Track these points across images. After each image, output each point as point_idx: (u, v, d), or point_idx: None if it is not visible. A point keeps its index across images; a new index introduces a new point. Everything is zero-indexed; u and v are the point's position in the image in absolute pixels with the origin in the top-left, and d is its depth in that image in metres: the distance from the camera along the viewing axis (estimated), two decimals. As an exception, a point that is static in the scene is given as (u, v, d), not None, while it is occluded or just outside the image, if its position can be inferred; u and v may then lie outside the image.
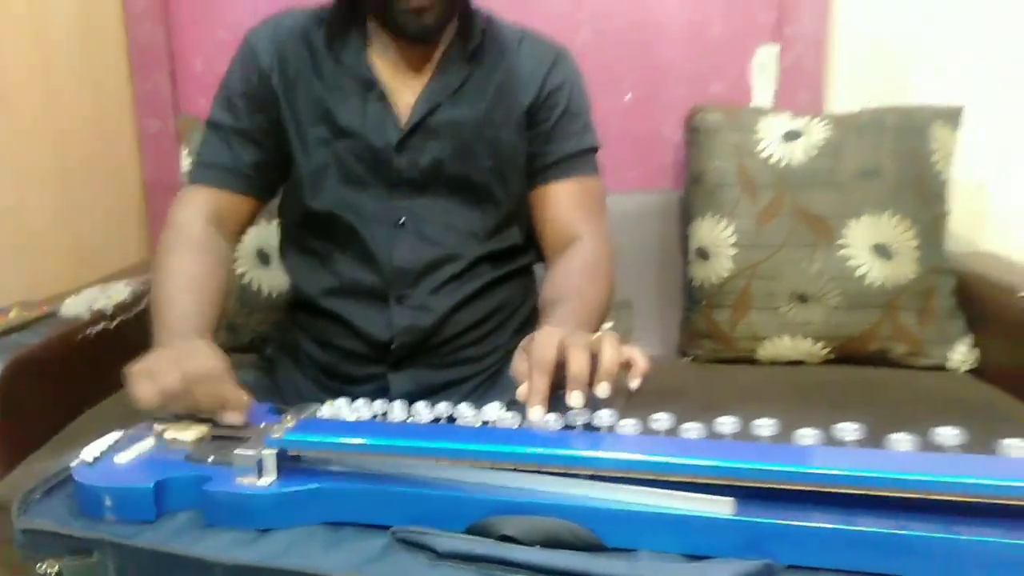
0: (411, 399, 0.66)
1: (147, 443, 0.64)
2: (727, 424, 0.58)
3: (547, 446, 0.56)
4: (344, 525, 0.56)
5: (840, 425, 0.55)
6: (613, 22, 1.52)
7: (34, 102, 1.33)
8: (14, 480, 0.93)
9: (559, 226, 0.96)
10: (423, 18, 0.86)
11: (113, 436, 0.65)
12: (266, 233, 1.36)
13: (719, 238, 1.34)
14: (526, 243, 1.01)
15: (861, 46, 1.49)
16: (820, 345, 1.33)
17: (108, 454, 0.63)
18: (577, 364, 0.62)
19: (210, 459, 0.61)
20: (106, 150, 1.54)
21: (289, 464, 0.59)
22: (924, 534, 0.48)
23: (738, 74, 1.53)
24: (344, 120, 0.91)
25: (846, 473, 0.50)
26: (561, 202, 0.97)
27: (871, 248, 1.30)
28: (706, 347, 1.38)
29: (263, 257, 1.38)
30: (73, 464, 0.61)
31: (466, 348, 0.94)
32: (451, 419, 0.64)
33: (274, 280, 1.37)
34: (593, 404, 0.62)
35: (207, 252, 0.89)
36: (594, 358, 0.64)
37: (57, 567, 0.55)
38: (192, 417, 0.68)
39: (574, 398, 0.62)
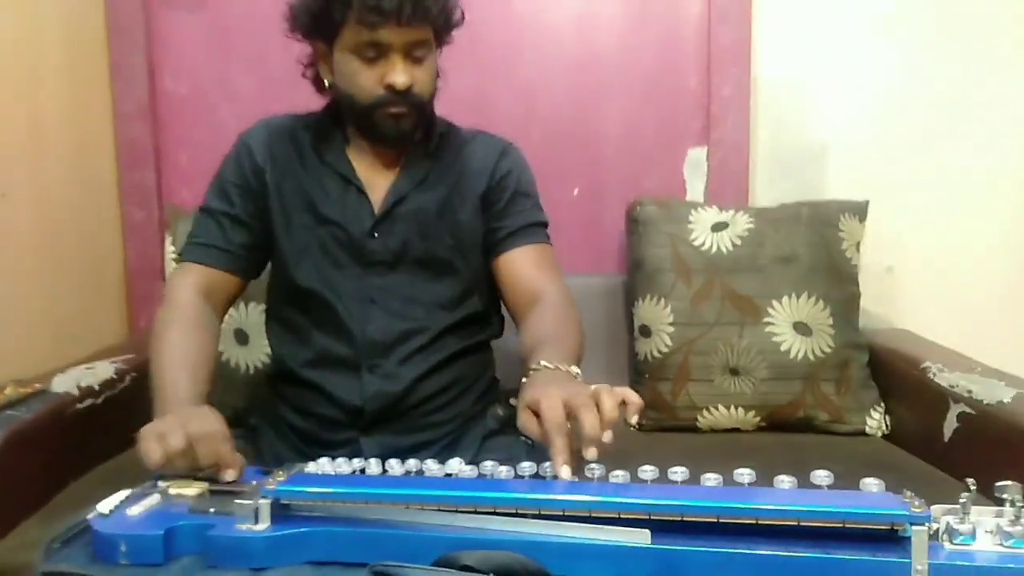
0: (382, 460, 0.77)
1: (154, 498, 0.74)
2: (678, 473, 0.71)
3: (500, 491, 0.68)
4: (329, 564, 0.66)
5: (738, 470, 0.69)
6: (561, 126, 1.71)
7: (28, 195, 1.44)
8: (8, 546, 1.00)
9: (523, 285, 1.09)
10: (400, 123, 1.03)
11: (123, 493, 0.75)
12: (243, 315, 1.47)
13: (659, 317, 1.49)
14: (486, 315, 1.14)
15: (778, 149, 1.69)
16: (752, 413, 1.47)
17: (121, 507, 0.72)
18: (589, 423, 0.73)
19: (211, 510, 0.71)
20: (92, 237, 1.64)
21: (281, 512, 0.70)
22: (802, 555, 0.61)
23: (673, 172, 1.72)
24: (326, 210, 1.06)
25: (735, 506, 0.63)
26: (522, 265, 1.10)
27: (792, 325, 1.46)
28: (651, 417, 1.51)
29: (241, 337, 1.48)
30: (90, 516, 0.71)
31: (431, 414, 1.06)
32: (419, 472, 0.75)
33: (251, 357, 1.47)
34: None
35: (200, 328, 1.01)
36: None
37: (78, 605, 0.64)
38: (191, 476, 0.78)
39: (591, 453, 0.72)
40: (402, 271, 1.07)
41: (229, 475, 0.76)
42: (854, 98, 1.67)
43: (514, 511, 0.66)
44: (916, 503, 0.60)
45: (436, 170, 1.10)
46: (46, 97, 1.49)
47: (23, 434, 1.10)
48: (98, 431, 1.26)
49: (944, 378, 1.29)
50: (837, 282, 1.49)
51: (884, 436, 1.45)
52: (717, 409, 1.47)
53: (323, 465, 0.76)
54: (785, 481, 0.67)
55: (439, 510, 0.67)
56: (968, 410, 1.20)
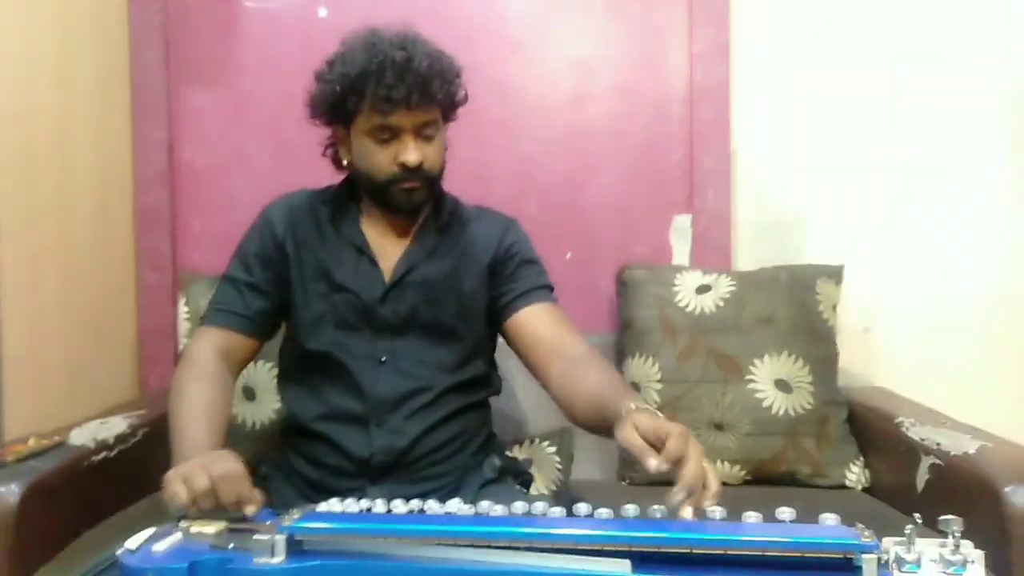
0: (388, 507, 0.84)
1: (177, 536, 0.81)
2: (658, 512, 0.77)
3: (494, 526, 0.75)
4: (338, 594, 0.73)
5: (709, 507, 0.76)
6: (555, 195, 1.82)
7: (55, 255, 1.53)
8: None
9: (547, 341, 1.15)
10: (413, 196, 1.13)
11: (148, 531, 0.81)
12: (251, 373, 1.55)
13: (647, 374, 1.57)
14: (486, 376, 1.23)
15: (759, 216, 1.80)
16: (737, 468, 1.53)
17: (146, 544, 0.79)
18: (695, 471, 0.80)
19: (231, 546, 0.78)
20: (108, 299, 1.73)
21: (296, 547, 0.76)
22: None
23: (660, 238, 1.82)
24: (340, 278, 1.15)
25: (707, 537, 0.70)
26: (540, 321, 1.17)
27: (774, 383, 1.54)
28: (640, 471, 1.56)
29: (249, 393, 1.55)
30: (119, 552, 0.77)
31: (433, 465, 1.13)
32: (422, 511, 0.82)
33: (258, 414, 1.54)
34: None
35: (217, 383, 1.09)
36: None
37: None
38: (211, 516, 0.84)
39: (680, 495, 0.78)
40: (410, 335, 1.16)
41: (250, 510, 0.83)
42: (829, 167, 1.78)
43: (508, 544, 0.73)
44: (866, 533, 0.67)
45: (444, 243, 1.20)
46: (75, 165, 1.60)
47: (44, 484, 1.16)
48: (111, 483, 1.32)
49: (916, 432, 1.36)
50: (815, 342, 1.57)
51: (864, 489, 1.51)
52: (704, 463, 1.53)
53: (333, 505, 0.83)
54: (752, 516, 0.74)
55: (440, 544, 0.74)
56: (938, 461, 1.27)
